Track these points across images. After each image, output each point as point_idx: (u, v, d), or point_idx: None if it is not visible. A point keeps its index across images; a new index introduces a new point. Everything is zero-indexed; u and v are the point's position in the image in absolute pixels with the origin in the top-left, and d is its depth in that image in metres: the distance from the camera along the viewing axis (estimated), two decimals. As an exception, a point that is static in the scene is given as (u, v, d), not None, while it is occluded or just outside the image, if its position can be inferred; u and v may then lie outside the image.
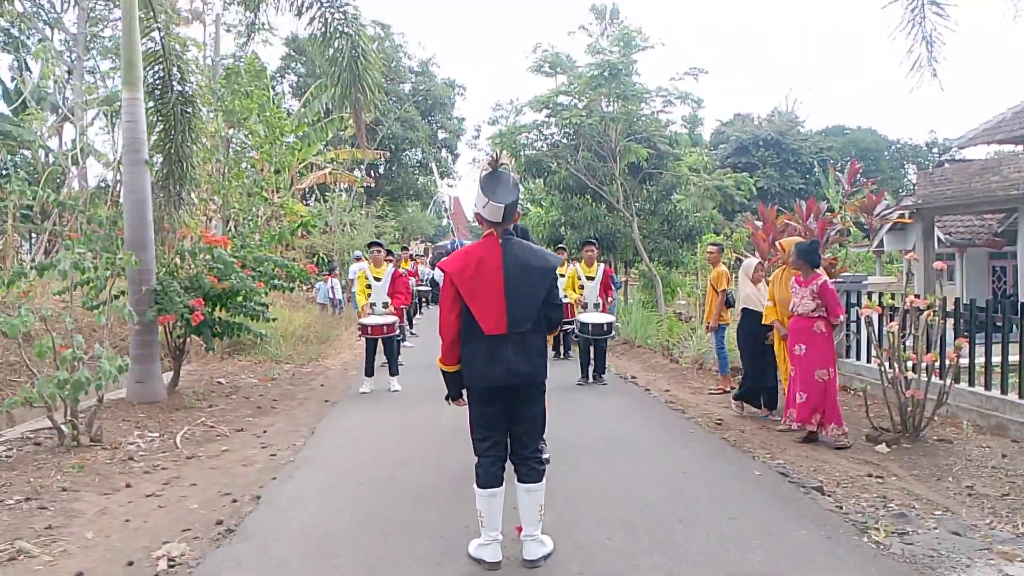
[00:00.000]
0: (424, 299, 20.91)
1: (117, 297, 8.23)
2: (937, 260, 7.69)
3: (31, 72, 24.47)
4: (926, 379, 6.54)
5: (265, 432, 7.30)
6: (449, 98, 40.98)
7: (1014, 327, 6.94)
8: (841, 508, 4.86)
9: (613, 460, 6.00)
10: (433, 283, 20.33)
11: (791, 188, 36.38)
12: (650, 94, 16.49)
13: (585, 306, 9.93)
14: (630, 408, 8.40)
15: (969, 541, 4.27)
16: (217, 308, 8.98)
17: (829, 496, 5.14)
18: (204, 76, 14.65)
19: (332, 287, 19.39)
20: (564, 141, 17.38)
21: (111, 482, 5.62)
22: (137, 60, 8.63)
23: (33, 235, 17.50)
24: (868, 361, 8.52)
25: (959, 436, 6.71)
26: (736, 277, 8.68)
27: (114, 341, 10.34)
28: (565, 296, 10.29)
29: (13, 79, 23.65)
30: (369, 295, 9.37)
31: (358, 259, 16.87)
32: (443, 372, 4.02)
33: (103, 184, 21.28)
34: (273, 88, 27.77)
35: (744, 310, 7.96)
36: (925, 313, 6.59)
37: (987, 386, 7.11)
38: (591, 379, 9.73)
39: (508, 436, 3.95)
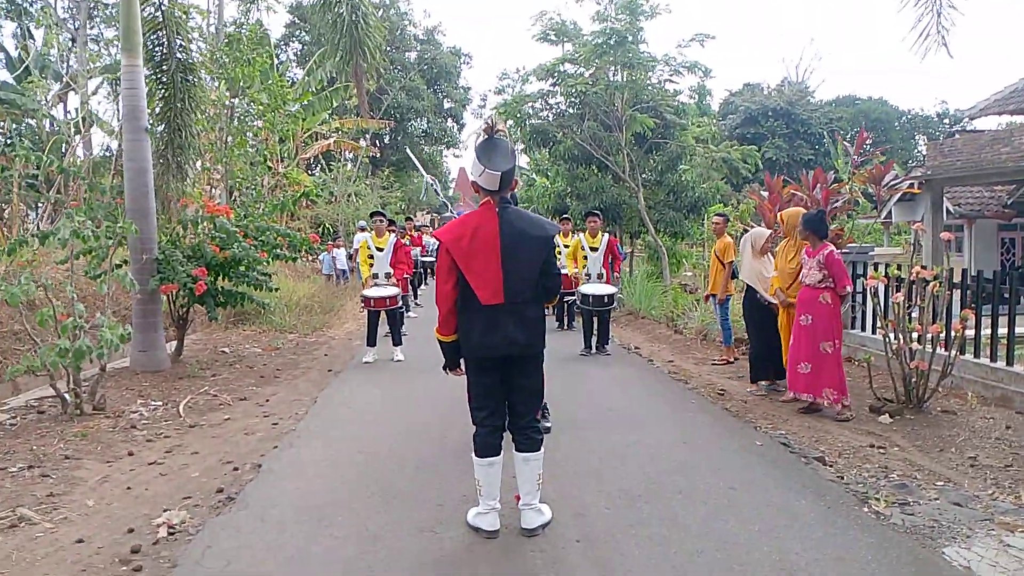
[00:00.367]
0: (429, 270, 20.87)
1: (119, 266, 8.22)
2: (945, 231, 7.58)
3: (34, 40, 24.29)
4: (931, 350, 6.49)
5: (267, 401, 7.32)
6: (455, 67, 40.61)
7: (1022, 299, 6.87)
8: (842, 479, 4.84)
9: (614, 430, 5.99)
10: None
11: (800, 159, 36.04)
12: (656, 62, 16.25)
13: (588, 277, 9.88)
14: (632, 379, 8.38)
15: (970, 512, 4.25)
16: (220, 277, 8.97)
17: (830, 467, 5.12)
18: (207, 44, 14.50)
19: (335, 257, 19.36)
20: (570, 111, 17.18)
21: (113, 450, 5.64)
22: (136, 26, 8.53)
23: (39, 204, 17.48)
24: (873, 332, 8.47)
25: (963, 407, 6.67)
26: (741, 250, 8.42)
27: (118, 310, 10.38)
28: (566, 268, 10.26)
29: (17, 47, 23.48)
30: (371, 265, 9.34)
31: (363, 229, 16.82)
32: (440, 342, 3.99)
33: (107, 153, 21.23)
34: (277, 56, 27.57)
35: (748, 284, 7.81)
36: (931, 284, 6.53)
37: (993, 358, 7.06)
38: (594, 350, 9.72)
39: (506, 405, 3.93)
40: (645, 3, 15.76)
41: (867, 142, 14.53)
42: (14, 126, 20.53)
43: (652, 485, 4.63)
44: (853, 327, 8.97)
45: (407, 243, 11.46)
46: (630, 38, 15.69)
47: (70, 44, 23.03)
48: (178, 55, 9.47)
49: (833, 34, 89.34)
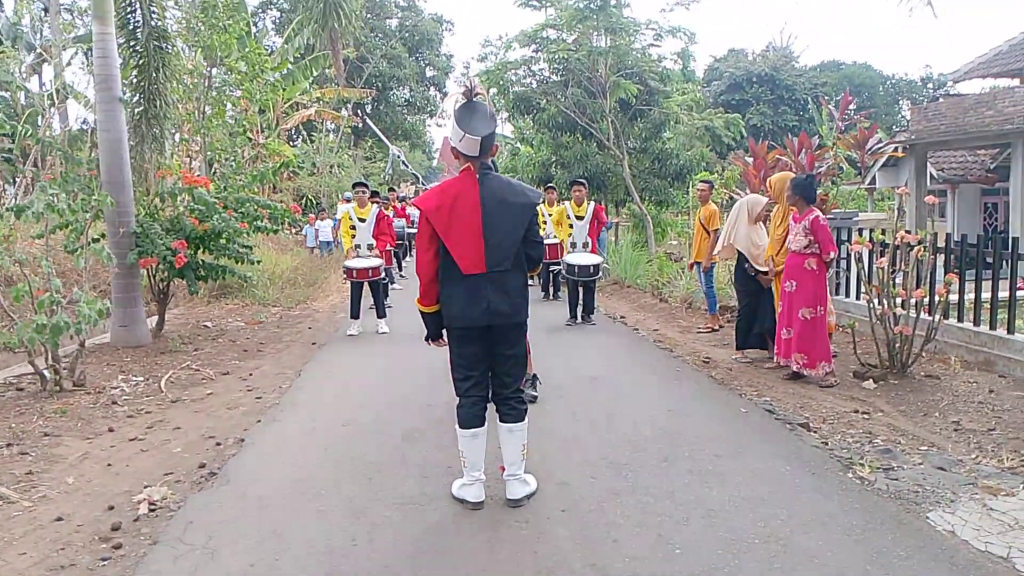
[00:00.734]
0: (413, 242, 20.71)
1: (96, 240, 8.08)
2: (929, 195, 7.54)
3: (3, 10, 23.73)
4: (915, 315, 6.50)
5: (251, 375, 7.24)
6: (437, 34, 40.10)
7: (1004, 263, 6.87)
8: (826, 444, 4.84)
9: (599, 399, 5.97)
10: None
11: (785, 125, 35.96)
12: (640, 27, 16.06)
13: (573, 246, 9.81)
14: (618, 347, 8.37)
15: (954, 476, 4.27)
16: (200, 250, 8.82)
17: (815, 432, 5.13)
18: (183, 12, 14.19)
19: (318, 229, 19.17)
20: (553, 78, 16.99)
21: (93, 427, 5.58)
22: (107, -8, 8.29)
23: (16, 178, 17.18)
24: (857, 298, 8.49)
25: (947, 372, 6.71)
26: (727, 215, 8.18)
27: (98, 285, 10.25)
28: (554, 236, 10.19)
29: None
30: (354, 236, 9.24)
31: (347, 200, 16.65)
32: (422, 313, 3.93)
33: (85, 126, 20.86)
34: (255, 24, 27.07)
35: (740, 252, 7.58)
36: (915, 249, 6.52)
37: (976, 322, 7.08)
38: (579, 319, 9.69)
39: (489, 376, 3.88)
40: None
41: (851, 106, 14.48)
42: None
43: (637, 453, 4.62)
44: (837, 293, 8.97)
45: (391, 215, 11.33)
46: (613, 2, 15.49)
47: (43, 14, 22.52)
48: (154, 22, 9.25)
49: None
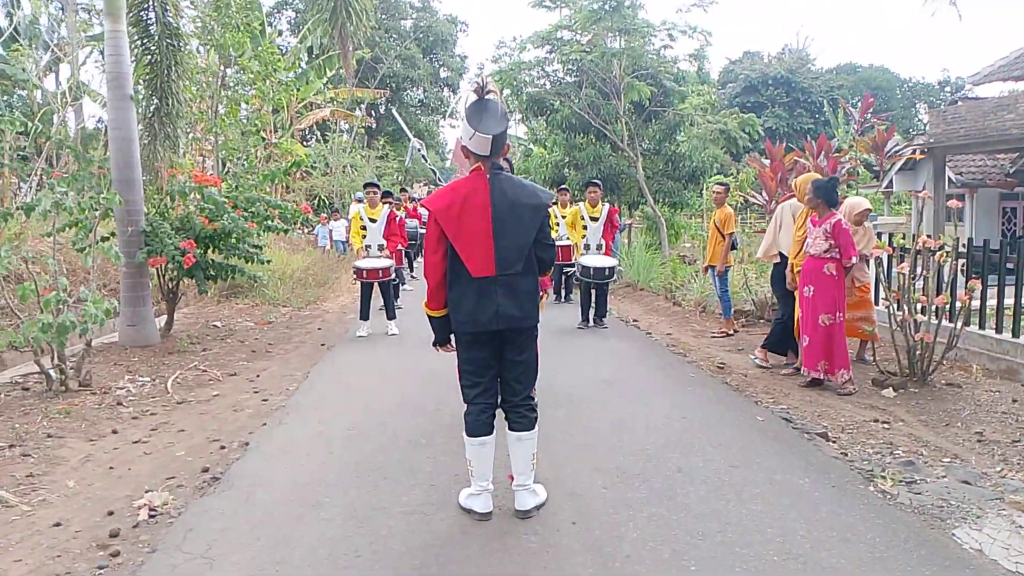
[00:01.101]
0: (425, 243, 20.58)
1: (106, 239, 8.03)
2: (953, 199, 7.35)
3: (22, 9, 23.80)
4: (936, 322, 6.34)
5: (258, 376, 7.16)
6: (451, 35, 39.94)
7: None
8: (846, 455, 4.70)
9: (611, 405, 5.84)
10: None
11: (800, 128, 35.66)
12: (654, 29, 15.90)
13: (587, 247, 9.68)
14: (630, 352, 8.23)
15: (979, 490, 4.11)
16: (209, 250, 8.76)
17: (834, 442, 4.99)
18: (198, 11, 14.15)
19: (332, 229, 19.12)
20: (567, 79, 16.86)
21: (98, 428, 5.50)
22: (119, -11, 8.24)
23: (30, 176, 17.20)
24: (876, 304, 8.31)
25: (968, 380, 6.54)
26: (777, 219, 7.45)
27: (108, 283, 10.21)
28: (568, 238, 10.06)
29: (8, 14, 23.00)
30: (364, 236, 9.14)
31: (359, 200, 16.59)
32: (429, 317, 3.80)
33: (100, 124, 20.88)
34: (270, 24, 27.08)
35: (782, 255, 7.23)
36: (938, 254, 6.35)
37: (998, 329, 6.91)
38: (591, 323, 9.56)
39: (498, 382, 3.76)
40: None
41: (871, 106, 14.25)
42: (5, 97, 20.17)
43: (650, 462, 4.49)
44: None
45: (403, 215, 11.24)
46: (627, 3, 15.35)
47: (61, 13, 22.57)
48: (169, 18, 9.18)
49: (835, 1, 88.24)
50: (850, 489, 4.10)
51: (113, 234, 8.41)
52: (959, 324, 6.33)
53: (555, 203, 10.63)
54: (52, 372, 6.38)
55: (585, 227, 9.73)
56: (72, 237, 8.08)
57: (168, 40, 9.15)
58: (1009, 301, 6.86)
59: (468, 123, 3.51)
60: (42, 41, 21.28)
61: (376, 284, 9.08)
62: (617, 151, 16.49)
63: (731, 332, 9.12)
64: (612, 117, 16.15)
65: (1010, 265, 6.82)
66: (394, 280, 9.57)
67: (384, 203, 9.54)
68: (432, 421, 5.44)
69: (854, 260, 6.27)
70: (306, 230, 19.79)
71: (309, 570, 3.26)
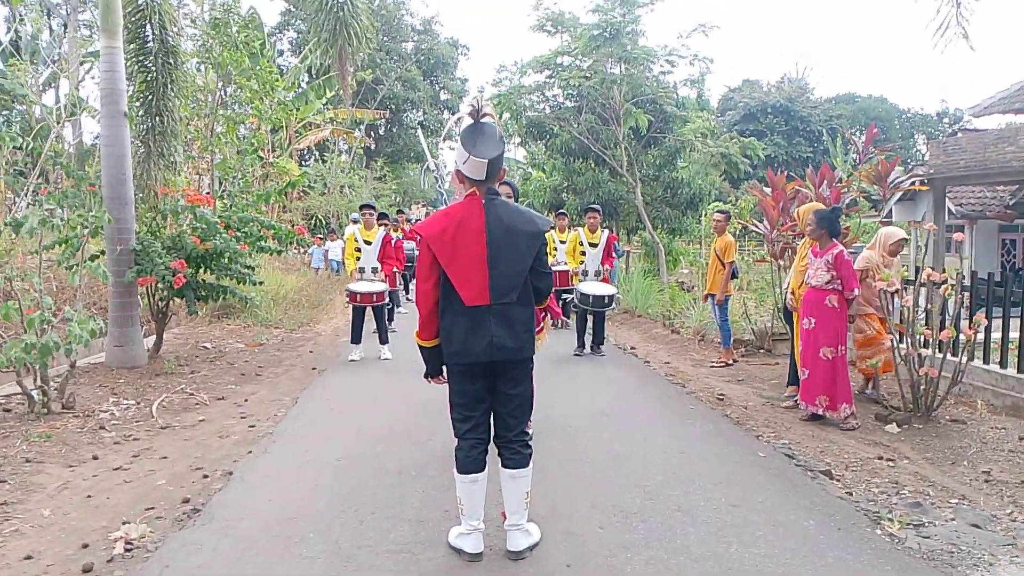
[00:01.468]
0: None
1: (95, 257, 7.88)
2: (957, 231, 7.26)
3: (26, 24, 23.83)
4: (941, 356, 6.20)
5: (246, 401, 6.99)
6: (452, 58, 40.07)
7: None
8: (851, 495, 4.53)
9: (608, 438, 5.67)
10: None
11: (799, 156, 35.79)
12: (654, 56, 15.89)
13: (585, 274, 9.54)
14: (628, 381, 8.07)
15: (990, 535, 3.95)
16: (201, 270, 8.61)
17: (837, 480, 4.82)
18: (200, 29, 14.10)
19: (327, 251, 18.97)
20: (567, 104, 16.84)
21: (78, 453, 5.32)
22: (116, 5, 8.15)
23: (25, 192, 17.09)
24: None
25: (972, 416, 6.39)
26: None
27: (97, 302, 10.05)
28: (565, 263, 9.93)
29: (9, 30, 23.02)
30: (358, 259, 9.01)
31: (355, 221, 16.48)
32: (420, 347, 3.64)
33: (97, 141, 20.80)
34: (272, 45, 27.10)
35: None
36: (943, 287, 6.23)
37: (1003, 364, 6.77)
38: (588, 350, 9.40)
39: (491, 417, 3.60)
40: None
41: (876, 136, 14.18)
42: (3, 112, 20.12)
43: (649, 501, 4.32)
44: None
45: (399, 237, 11.12)
46: (627, 30, 15.35)
47: (63, 30, 22.58)
48: (167, 36, 9.09)
49: (834, 30, 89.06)
50: (856, 532, 3.93)
51: (103, 252, 8.27)
52: (964, 359, 6.19)
53: (553, 228, 10.51)
54: (34, 394, 6.21)
55: (583, 252, 9.60)
56: (59, 256, 7.93)
57: (165, 58, 9.05)
58: (1014, 335, 6.74)
59: (463, 146, 3.38)
60: (42, 57, 21.28)
61: (370, 308, 8.92)
62: (616, 176, 16.43)
63: (730, 362, 8.97)
64: (611, 142, 16.11)
65: (1015, 299, 6.70)
66: (388, 304, 9.42)
67: (380, 225, 9.41)
68: (423, 451, 5.27)
69: (856, 292, 6.13)
70: (301, 250, 19.66)
71: (288, 613, 3.09)
